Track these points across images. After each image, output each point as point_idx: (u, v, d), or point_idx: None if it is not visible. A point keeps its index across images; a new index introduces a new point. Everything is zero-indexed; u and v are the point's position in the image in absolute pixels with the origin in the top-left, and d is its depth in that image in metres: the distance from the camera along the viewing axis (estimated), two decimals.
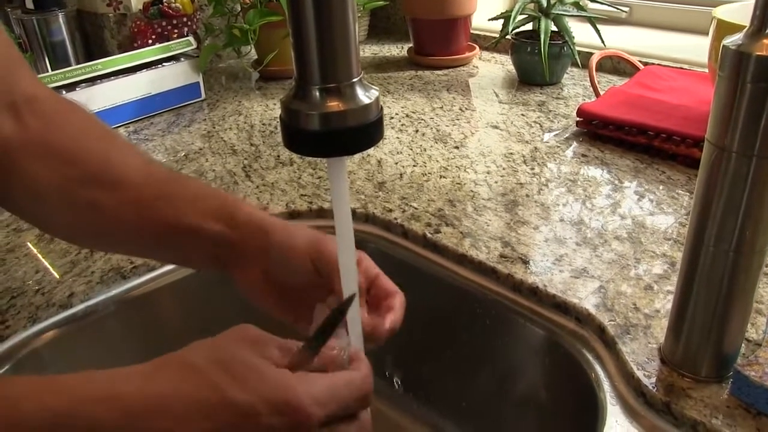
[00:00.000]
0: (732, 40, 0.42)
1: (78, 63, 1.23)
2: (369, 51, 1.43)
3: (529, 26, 1.14)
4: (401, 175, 0.84)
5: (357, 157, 0.88)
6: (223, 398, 0.34)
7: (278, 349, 0.37)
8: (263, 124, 1.04)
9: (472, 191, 0.78)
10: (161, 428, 0.33)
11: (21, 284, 0.67)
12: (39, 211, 0.55)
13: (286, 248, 0.49)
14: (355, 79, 0.36)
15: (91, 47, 1.31)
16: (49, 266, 0.69)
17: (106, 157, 0.51)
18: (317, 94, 0.36)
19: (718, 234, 0.45)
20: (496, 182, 0.80)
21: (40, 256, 0.71)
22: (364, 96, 0.36)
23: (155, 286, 0.69)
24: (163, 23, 1.20)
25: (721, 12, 0.83)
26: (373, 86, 0.38)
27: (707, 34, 0.86)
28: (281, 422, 0.34)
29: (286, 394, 0.34)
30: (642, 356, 0.52)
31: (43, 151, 0.50)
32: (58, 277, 0.67)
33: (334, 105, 0.36)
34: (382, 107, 0.38)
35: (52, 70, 1.21)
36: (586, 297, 0.59)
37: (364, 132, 0.37)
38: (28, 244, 0.73)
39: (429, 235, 0.70)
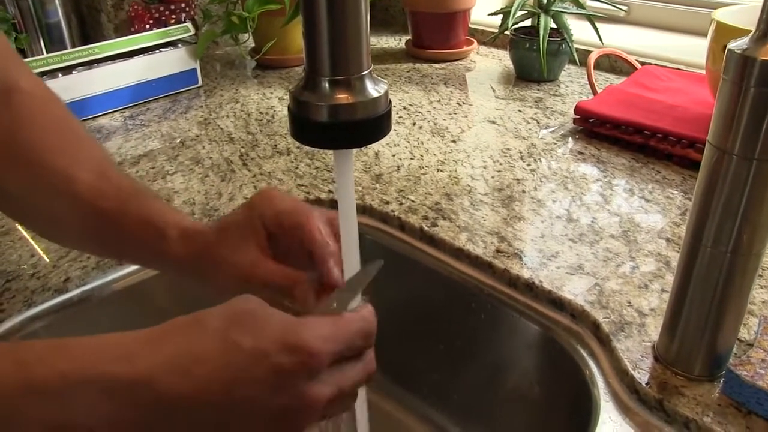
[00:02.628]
0: (737, 44, 0.42)
1: (73, 45, 1.23)
2: None
3: (527, 22, 1.14)
4: (398, 167, 0.84)
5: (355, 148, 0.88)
6: (231, 344, 0.34)
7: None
8: (260, 113, 1.04)
9: (468, 186, 0.79)
10: (176, 383, 0.33)
11: (16, 268, 0.67)
12: (13, 210, 0.55)
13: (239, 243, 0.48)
14: (365, 72, 0.36)
15: (87, 30, 1.30)
16: (43, 251, 0.69)
17: (62, 169, 0.50)
18: (327, 85, 0.36)
19: (716, 235, 0.46)
20: (492, 177, 0.81)
21: (34, 240, 0.71)
22: (373, 89, 0.36)
23: (151, 273, 0.69)
24: (161, 8, 1.19)
25: (721, 14, 0.83)
26: (383, 80, 0.38)
27: (705, 35, 0.86)
28: (290, 361, 0.34)
29: (292, 333, 0.35)
30: (636, 354, 0.53)
31: (9, 151, 0.50)
32: (53, 261, 0.67)
33: (343, 97, 0.36)
34: (390, 101, 0.38)
35: (47, 52, 1.20)
36: (581, 293, 0.60)
37: (372, 125, 0.37)
38: (22, 228, 0.73)
39: (426, 229, 0.70)
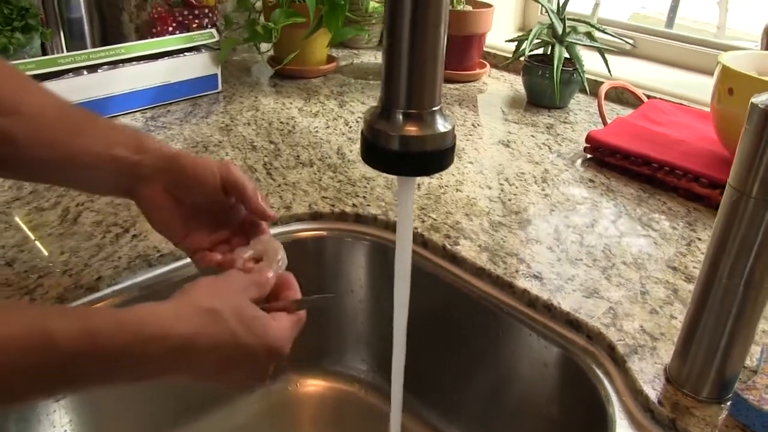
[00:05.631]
0: (761, 99, 0.47)
1: (94, 44, 1.24)
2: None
3: (540, 50, 1.19)
4: (419, 185, 0.87)
5: None
6: (237, 343, 0.47)
7: (254, 286, 0.52)
8: (280, 122, 1.07)
9: (487, 207, 0.82)
10: (187, 359, 0.46)
11: (47, 264, 0.68)
12: None
13: (194, 166, 0.57)
14: (435, 108, 0.40)
15: (107, 29, 1.32)
16: (73, 248, 0.70)
17: (20, 93, 0.53)
18: (400, 117, 0.39)
19: (732, 269, 0.50)
20: (510, 200, 0.84)
21: (63, 237, 0.72)
22: (442, 125, 0.40)
23: (180, 275, 0.71)
24: (185, 12, 1.22)
25: (727, 58, 0.88)
26: (450, 116, 0.41)
27: (708, 73, 0.91)
28: (269, 359, 0.50)
29: (278, 343, 0.49)
30: (649, 375, 0.57)
31: None
32: (84, 260, 0.69)
33: (414, 129, 0.39)
34: (455, 136, 0.41)
35: (67, 47, 1.21)
36: (596, 316, 0.64)
37: (438, 157, 0.40)
38: (52, 223, 0.75)
39: (449, 247, 0.74)
